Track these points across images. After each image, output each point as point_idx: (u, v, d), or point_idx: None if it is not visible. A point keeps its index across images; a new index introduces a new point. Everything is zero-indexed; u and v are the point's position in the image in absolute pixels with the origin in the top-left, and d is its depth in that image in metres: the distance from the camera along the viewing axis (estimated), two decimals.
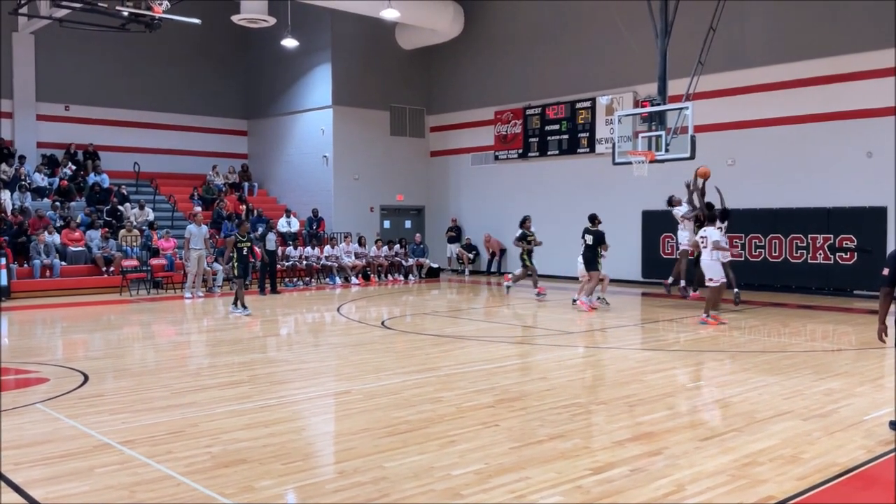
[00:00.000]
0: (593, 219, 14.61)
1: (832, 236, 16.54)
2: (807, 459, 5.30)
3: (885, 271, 5.98)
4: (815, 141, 16.95)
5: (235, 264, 14.32)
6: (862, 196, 16.15)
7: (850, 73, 16.34)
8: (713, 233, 12.37)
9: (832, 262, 16.59)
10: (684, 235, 14.59)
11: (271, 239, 18.42)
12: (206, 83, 25.68)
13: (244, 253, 14.39)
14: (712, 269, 12.34)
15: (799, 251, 17.08)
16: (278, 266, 19.20)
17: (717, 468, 5.12)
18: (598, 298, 14.81)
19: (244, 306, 14.05)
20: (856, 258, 16.25)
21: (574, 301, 14.72)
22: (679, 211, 14.68)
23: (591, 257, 14.33)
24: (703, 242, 12.52)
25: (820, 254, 16.76)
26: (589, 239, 14.42)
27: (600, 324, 12.93)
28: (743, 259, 17.52)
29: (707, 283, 12.50)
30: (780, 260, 17.35)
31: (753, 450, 5.51)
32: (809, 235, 16.89)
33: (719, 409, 6.76)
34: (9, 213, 18.97)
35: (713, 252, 12.28)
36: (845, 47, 16.31)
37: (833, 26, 16.57)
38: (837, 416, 6.50)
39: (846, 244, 16.27)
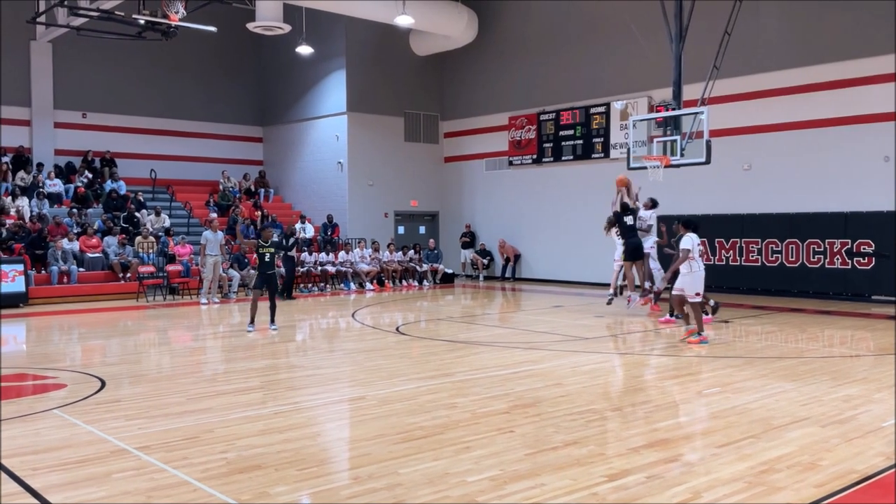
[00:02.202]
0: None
1: (849, 241, 16.40)
2: (825, 466, 5.25)
3: None
4: (832, 145, 16.83)
5: (255, 273, 13.37)
6: (880, 200, 16.01)
7: (867, 76, 16.21)
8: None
9: (850, 266, 16.45)
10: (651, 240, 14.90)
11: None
12: (222, 90, 25.88)
13: (266, 260, 12.73)
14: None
15: (816, 256, 16.95)
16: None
17: (734, 475, 5.07)
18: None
19: (251, 322, 12.69)
20: (873, 263, 16.11)
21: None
22: (648, 215, 14.89)
23: None
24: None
25: (837, 259, 16.62)
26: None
27: (615, 330, 12.88)
28: (760, 264, 17.41)
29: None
30: (797, 265, 17.21)
31: (770, 457, 5.47)
32: (827, 240, 16.76)
33: (736, 416, 6.71)
34: (27, 220, 19.17)
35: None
36: (862, 51, 16.20)
37: (849, 29, 16.47)
38: (856, 422, 6.44)
39: (864, 249, 16.17)
